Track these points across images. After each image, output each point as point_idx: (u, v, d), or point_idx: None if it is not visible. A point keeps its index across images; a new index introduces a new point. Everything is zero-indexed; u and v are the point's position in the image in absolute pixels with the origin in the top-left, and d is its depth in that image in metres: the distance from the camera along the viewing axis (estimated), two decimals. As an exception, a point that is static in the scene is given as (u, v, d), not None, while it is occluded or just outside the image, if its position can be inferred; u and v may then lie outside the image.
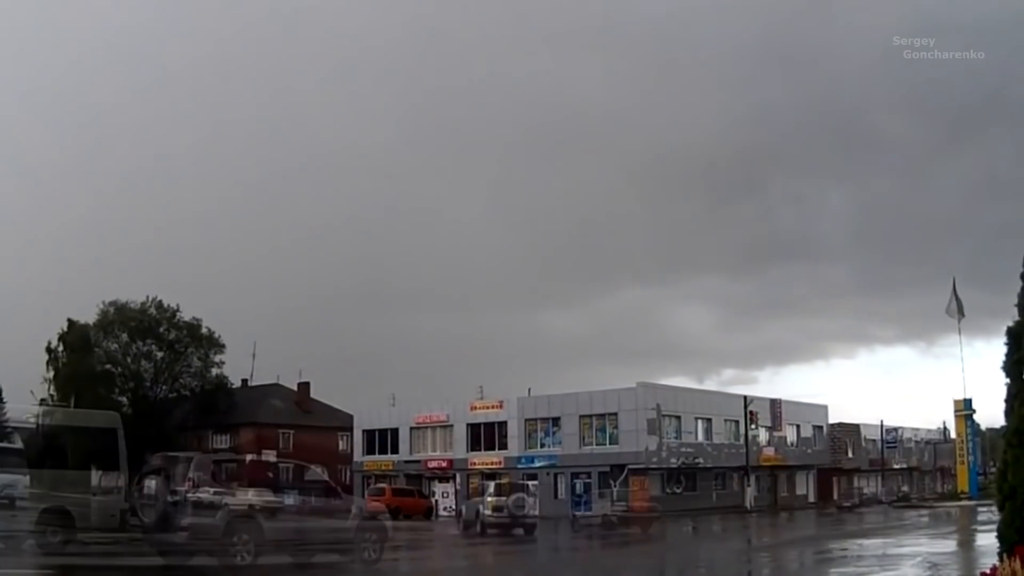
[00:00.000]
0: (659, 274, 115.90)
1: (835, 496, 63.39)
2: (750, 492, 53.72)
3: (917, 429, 72.91)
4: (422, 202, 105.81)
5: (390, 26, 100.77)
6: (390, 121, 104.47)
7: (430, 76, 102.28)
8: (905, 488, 68.21)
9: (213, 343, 67.88)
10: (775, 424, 58.08)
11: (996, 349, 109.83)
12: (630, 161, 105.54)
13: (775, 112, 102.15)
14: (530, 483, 51.78)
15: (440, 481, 56.91)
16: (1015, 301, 9.54)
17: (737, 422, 54.81)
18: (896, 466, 70.18)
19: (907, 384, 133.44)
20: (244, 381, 72.56)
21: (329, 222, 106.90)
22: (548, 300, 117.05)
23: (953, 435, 58.97)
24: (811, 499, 61.77)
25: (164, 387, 68.56)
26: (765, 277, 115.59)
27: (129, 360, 67.32)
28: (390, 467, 58.55)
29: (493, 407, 55.13)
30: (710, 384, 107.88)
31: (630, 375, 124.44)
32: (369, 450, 60.60)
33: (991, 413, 58.70)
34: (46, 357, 63.15)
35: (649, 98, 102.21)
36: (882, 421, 68.23)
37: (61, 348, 62.91)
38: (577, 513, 43.60)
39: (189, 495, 17.01)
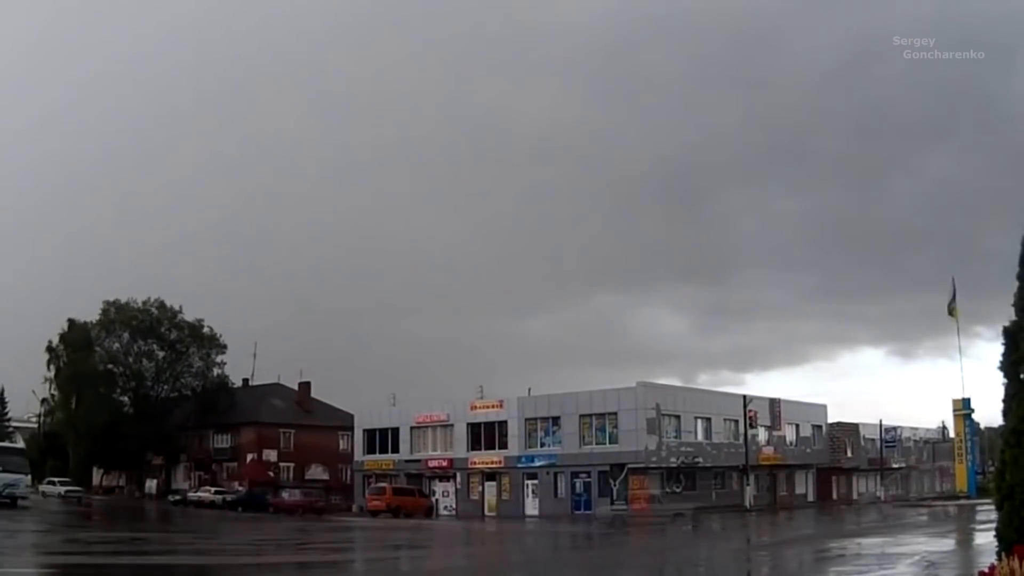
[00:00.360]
0: (636, 282, 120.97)
1: (834, 495, 63.58)
2: (749, 491, 53.83)
3: (916, 428, 73.01)
4: (419, 216, 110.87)
5: (383, 68, 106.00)
6: (389, 142, 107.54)
7: (424, 106, 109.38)
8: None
9: (214, 343, 68.03)
10: (774, 423, 58.19)
11: (975, 350, 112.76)
12: (603, 179, 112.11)
13: (733, 131, 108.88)
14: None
15: (440, 480, 56.99)
16: (1011, 301, 9.62)
17: (736, 421, 54.90)
18: (895, 465, 70.27)
19: (884, 384, 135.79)
20: (245, 381, 72.70)
21: (330, 231, 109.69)
22: (529, 306, 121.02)
23: (952, 434, 59.11)
24: (810, 498, 61.89)
25: (165, 386, 68.70)
26: (735, 284, 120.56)
27: (131, 359, 67.45)
28: (391, 466, 58.62)
29: (493, 407, 55.21)
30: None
31: (610, 378, 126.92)
32: (370, 449, 60.64)
33: (984, 413, 58.87)
34: (47, 356, 63.35)
35: (619, 120, 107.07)
36: (881, 420, 68.31)
37: (62, 347, 63.00)
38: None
39: None
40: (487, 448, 54.75)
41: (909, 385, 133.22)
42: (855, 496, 66.44)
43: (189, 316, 67.74)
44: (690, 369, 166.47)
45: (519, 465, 53.18)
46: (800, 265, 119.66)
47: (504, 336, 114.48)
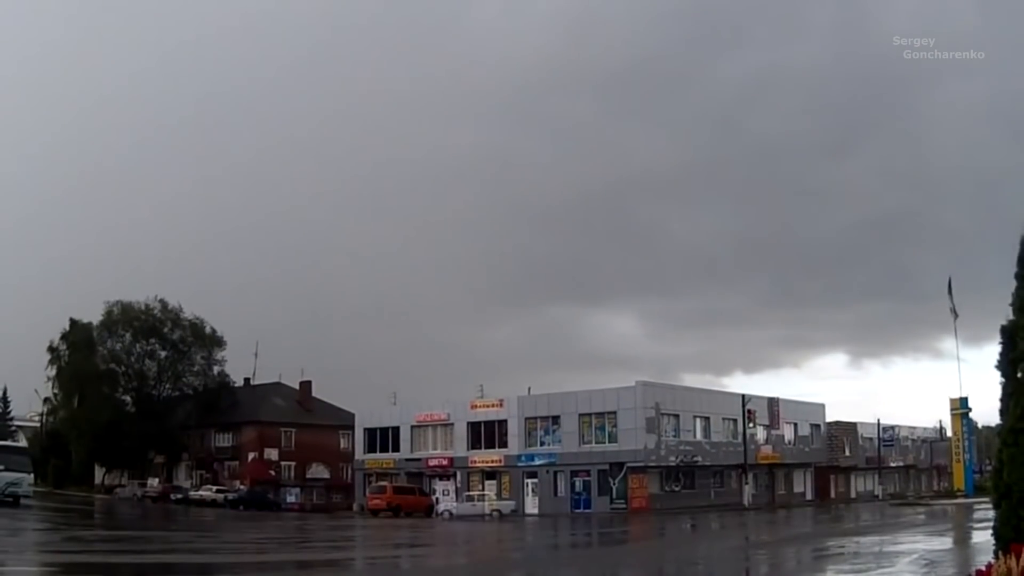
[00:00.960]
0: (597, 295, 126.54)
1: (832, 494, 63.75)
2: (748, 490, 54.02)
3: (913, 428, 73.34)
4: (400, 230, 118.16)
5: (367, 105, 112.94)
6: (366, 168, 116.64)
7: (407, 138, 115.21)
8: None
9: (216, 342, 68.20)
10: (773, 422, 58.39)
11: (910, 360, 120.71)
12: (551, 204, 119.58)
13: (657, 159, 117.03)
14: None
15: (441, 479, 57.16)
16: (1009, 301, 9.71)
17: (735, 420, 55.10)
18: (893, 464, 70.49)
19: (845, 386, 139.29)
20: (247, 380, 72.87)
21: (329, 236, 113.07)
22: (501, 315, 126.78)
23: (949, 433, 59.30)
24: (809, 497, 62.09)
25: (167, 386, 68.92)
26: (688, 295, 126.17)
27: (132, 359, 67.66)
28: (391, 465, 58.78)
29: (493, 406, 55.37)
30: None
31: (580, 381, 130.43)
32: (370, 448, 60.80)
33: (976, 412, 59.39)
34: (49, 356, 63.51)
35: (544, 150, 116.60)
36: (879, 420, 68.61)
37: (64, 347, 63.14)
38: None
39: None
40: (487, 447, 54.92)
41: (874, 386, 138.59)
42: (853, 495, 66.64)
43: (190, 316, 68.08)
44: (667, 374, 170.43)
45: (519, 464, 53.34)
46: (743, 278, 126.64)
47: (492, 341, 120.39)
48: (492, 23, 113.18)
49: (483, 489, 52.08)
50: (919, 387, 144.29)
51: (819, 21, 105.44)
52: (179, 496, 58.58)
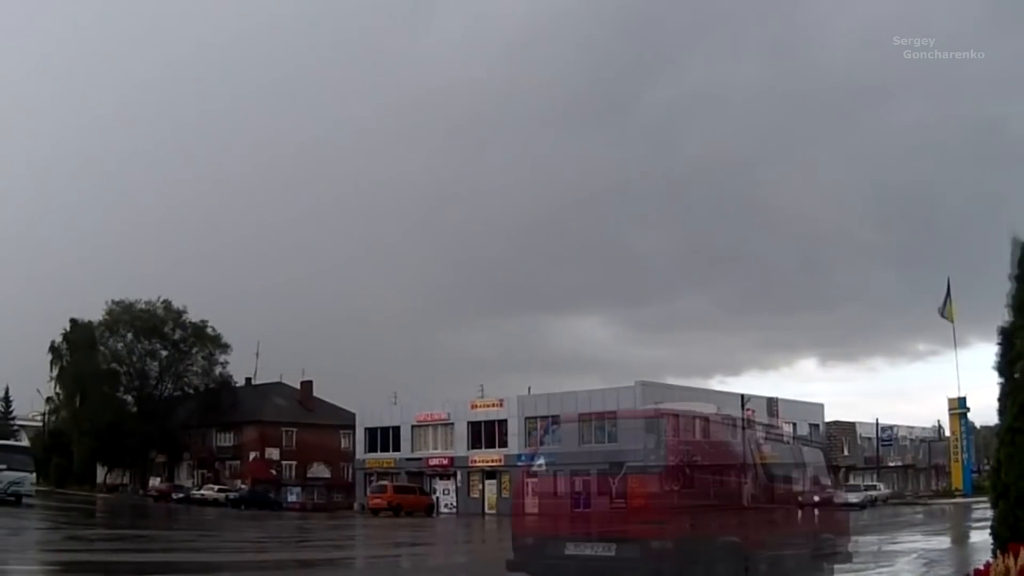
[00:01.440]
0: (578, 305, 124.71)
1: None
2: (747, 490, 54.10)
3: (912, 427, 73.53)
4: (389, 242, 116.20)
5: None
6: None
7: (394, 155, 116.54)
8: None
9: (217, 342, 68.32)
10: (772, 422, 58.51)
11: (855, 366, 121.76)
12: (522, 221, 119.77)
13: (607, 178, 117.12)
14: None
15: (441, 479, 57.29)
16: (1006, 302, 9.80)
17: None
18: (891, 463, 70.61)
19: (825, 389, 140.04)
20: (248, 380, 72.95)
21: (329, 239, 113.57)
22: (492, 321, 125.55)
23: (947, 433, 59.49)
24: (808, 496, 62.20)
25: (169, 385, 69.06)
26: (660, 303, 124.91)
27: (134, 359, 67.81)
28: (391, 465, 58.91)
29: (493, 405, 55.49)
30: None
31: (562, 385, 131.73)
32: (371, 448, 60.91)
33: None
34: (51, 356, 63.64)
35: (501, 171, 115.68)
36: (877, 419, 68.76)
37: (66, 347, 63.24)
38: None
39: None
40: (487, 446, 55.03)
41: (854, 388, 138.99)
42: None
43: (193, 317, 68.25)
44: (655, 379, 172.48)
45: (519, 463, 53.39)
46: (721, 286, 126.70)
47: (484, 345, 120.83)
48: (451, 51, 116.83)
49: (484, 488, 52.24)
50: (904, 388, 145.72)
51: (756, 42, 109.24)
52: (181, 495, 58.76)
